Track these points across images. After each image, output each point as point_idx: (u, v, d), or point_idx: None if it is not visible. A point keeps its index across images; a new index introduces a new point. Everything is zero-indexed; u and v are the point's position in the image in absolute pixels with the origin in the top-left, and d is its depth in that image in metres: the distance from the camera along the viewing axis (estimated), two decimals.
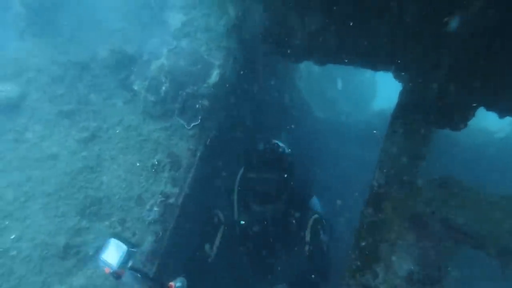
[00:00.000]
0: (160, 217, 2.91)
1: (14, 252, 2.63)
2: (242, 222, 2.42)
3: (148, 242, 2.83)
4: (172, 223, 2.97)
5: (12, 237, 2.68)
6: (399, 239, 2.19)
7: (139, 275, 1.92)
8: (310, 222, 2.49)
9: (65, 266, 2.68)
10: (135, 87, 3.03)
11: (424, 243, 1.98)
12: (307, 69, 5.96)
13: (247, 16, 2.78)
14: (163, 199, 2.95)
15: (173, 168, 3.05)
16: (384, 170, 2.31)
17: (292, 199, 2.48)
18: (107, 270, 1.86)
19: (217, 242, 2.60)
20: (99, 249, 1.93)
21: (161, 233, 2.89)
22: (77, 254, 2.74)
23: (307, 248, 2.44)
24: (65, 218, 2.85)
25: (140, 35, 3.01)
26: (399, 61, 2.03)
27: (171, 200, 2.97)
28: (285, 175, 2.36)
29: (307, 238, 2.44)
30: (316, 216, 2.53)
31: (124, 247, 1.86)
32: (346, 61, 2.45)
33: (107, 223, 2.90)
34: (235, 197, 2.57)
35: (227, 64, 2.96)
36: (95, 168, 3.02)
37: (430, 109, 1.97)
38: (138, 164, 3.05)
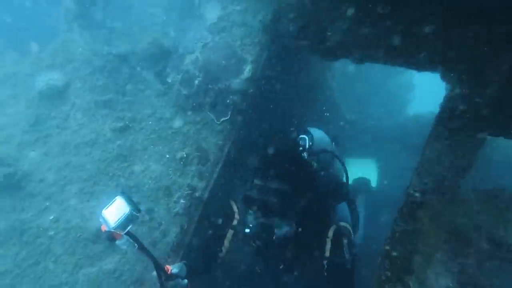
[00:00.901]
0: (186, 210, 2.95)
1: (52, 232, 2.79)
2: (247, 230, 2.06)
3: (173, 233, 2.88)
4: (197, 216, 3.00)
5: (51, 218, 2.84)
6: (436, 252, 2.02)
7: (136, 244, 1.71)
8: (330, 232, 2.10)
9: (96, 250, 2.79)
10: (169, 80, 3.09)
11: (466, 259, 1.80)
12: (341, 68, 5.79)
13: (283, 12, 2.72)
14: (189, 192, 2.98)
15: (200, 162, 3.07)
16: (423, 177, 2.14)
17: (309, 208, 2.08)
18: (103, 227, 1.67)
19: (228, 236, 2.33)
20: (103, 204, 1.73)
21: (186, 225, 2.92)
22: None
23: (325, 263, 2.04)
24: (98, 204, 2.97)
25: (178, 28, 3.06)
26: (448, 61, 1.87)
27: (197, 194, 2.99)
28: (300, 184, 1.97)
29: (326, 252, 2.05)
30: (335, 226, 2.11)
31: (127, 209, 1.64)
32: (386, 59, 2.31)
33: None
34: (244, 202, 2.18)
35: (260, 60, 2.92)
36: (127, 158, 3.11)
37: (482, 114, 1.79)
38: (167, 156, 3.10)
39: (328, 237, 2.09)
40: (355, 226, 2.38)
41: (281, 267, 2.20)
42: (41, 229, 2.83)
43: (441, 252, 1.96)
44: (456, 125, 1.86)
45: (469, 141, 1.87)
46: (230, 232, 2.34)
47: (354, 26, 2.33)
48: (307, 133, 2.53)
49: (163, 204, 2.98)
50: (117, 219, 1.62)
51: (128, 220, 1.64)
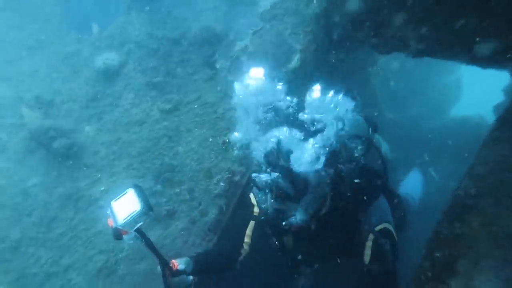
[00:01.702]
0: (225, 193, 3.06)
1: (102, 202, 3.04)
2: (263, 218, 1.89)
3: (212, 214, 3.01)
4: (235, 199, 3.10)
5: (102, 189, 3.07)
6: (485, 258, 1.95)
7: (143, 240, 1.57)
8: (370, 239, 1.85)
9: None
10: (218, 66, 3.18)
11: None
12: (384, 65, 5.59)
13: (339, 1, 2.69)
14: (229, 175, 3.08)
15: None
16: (476, 179, 2.06)
17: (333, 199, 1.83)
18: (110, 222, 1.50)
19: (248, 233, 2.11)
20: (114, 194, 1.56)
21: (224, 207, 3.03)
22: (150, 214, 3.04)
23: (365, 271, 1.83)
24: (144, 180, 3.16)
25: (230, 14, 3.13)
26: None
27: (237, 178, 3.08)
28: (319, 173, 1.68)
29: (366, 258, 1.84)
30: (375, 234, 1.86)
31: (138, 207, 1.47)
32: (448, 54, 2.21)
33: (177, 190, 3.13)
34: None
35: (309, 49, 2.91)
36: (173, 138, 3.27)
37: None
38: (210, 140, 3.22)
39: (366, 243, 1.85)
40: (399, 220, 2.12)
41: (299, 257, 2.00)
42: (92, 198, 3.08)
43: (491, 259, 1.89)
44: None
45: None
46: (252, 224, 2.14)
47: (415, 16, 2.25)
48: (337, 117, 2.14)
49: (203, 185, 3.10)
50: (126, 216, 1.46)
51: (138, 218, 1.48)
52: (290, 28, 2.89)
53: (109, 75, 3.37)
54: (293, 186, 1.69)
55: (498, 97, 4.31)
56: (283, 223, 1.76)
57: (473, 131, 4.82)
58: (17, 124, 3.10)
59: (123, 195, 1.54)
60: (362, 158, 2.10)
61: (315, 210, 1.79)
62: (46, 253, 2.91)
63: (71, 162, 3.19)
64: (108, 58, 3.29)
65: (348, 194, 1.84)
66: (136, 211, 1.47)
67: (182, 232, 2.96)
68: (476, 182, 2.07)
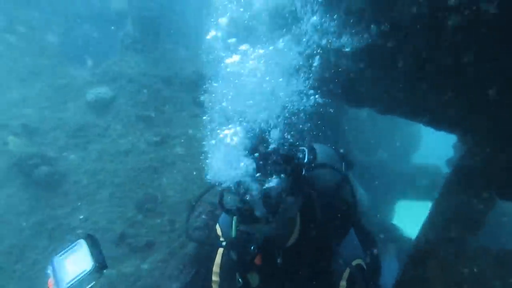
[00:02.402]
0: (206, 226, 3.05)
1: (80, 231, 2.90)
2: (226, 246, 1.68)
3: (191, 246, 2.96)
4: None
5: (81, 217, 2.96)
6: None
7: None
8: (344, 277, 1.73)
9: (117, 252, 2.87)
10: (206, 106, 3.34)
11: None
12: (355, 112, 6.02)
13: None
14: (211, 209, 3.10)
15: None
16: (435, 228, 2.24)
17: (306, 232, 1.68)
18: (50, 284, 1.18)
19: (216, 270, 1.83)
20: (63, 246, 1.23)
21: (204, 240, 3.00)
22: (130, 244, 2.93)
23: None
24: (125, 209, 3.10)
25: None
26: (468, 125, 2.01)
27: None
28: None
29: None
30: (348, 271, 1.73)
31: (90, 265, 1.16)
32: (410, 115, 2.49)
33: (158, 220, 3.10)
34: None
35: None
36: (158, 169, 3.29)
37: (494, 178, 1.91)
38: (194, 173, 3.28)
39: (340, 282, 1.72)
40: (373, 259, 1.97)
41: None
42: (70, 226, 2.95)
43: None
44: (469, 184, 1.99)
45: (480, 201, 1.99)
46: (218, 258, 1.89)
47: (380, 83, 2.54)
48: (310, 148, 1.97)
49: (185, 217, 3.09)
50: (71, 279, 1.14)
51: (88, 279, 1.15)
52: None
53: (100, 107, 3.43)
54: (264, 205, 1.48)
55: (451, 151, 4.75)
56: (251, 248, 1.54)
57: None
58: (0, 151, 3.00)
59: (71, 248, 1.21)
60: (335, 187, 1.94)
61: (282, 237, 1.63)
62: (13, 284, 2.69)
63: (51, 189, 3.07)
64: (100, 92, 3.37)
65: (319, 222, 1.65)
66: (86, 271, 1.13)
67: (160, 264, 2.87)
68: (434, 229, 2.24)
